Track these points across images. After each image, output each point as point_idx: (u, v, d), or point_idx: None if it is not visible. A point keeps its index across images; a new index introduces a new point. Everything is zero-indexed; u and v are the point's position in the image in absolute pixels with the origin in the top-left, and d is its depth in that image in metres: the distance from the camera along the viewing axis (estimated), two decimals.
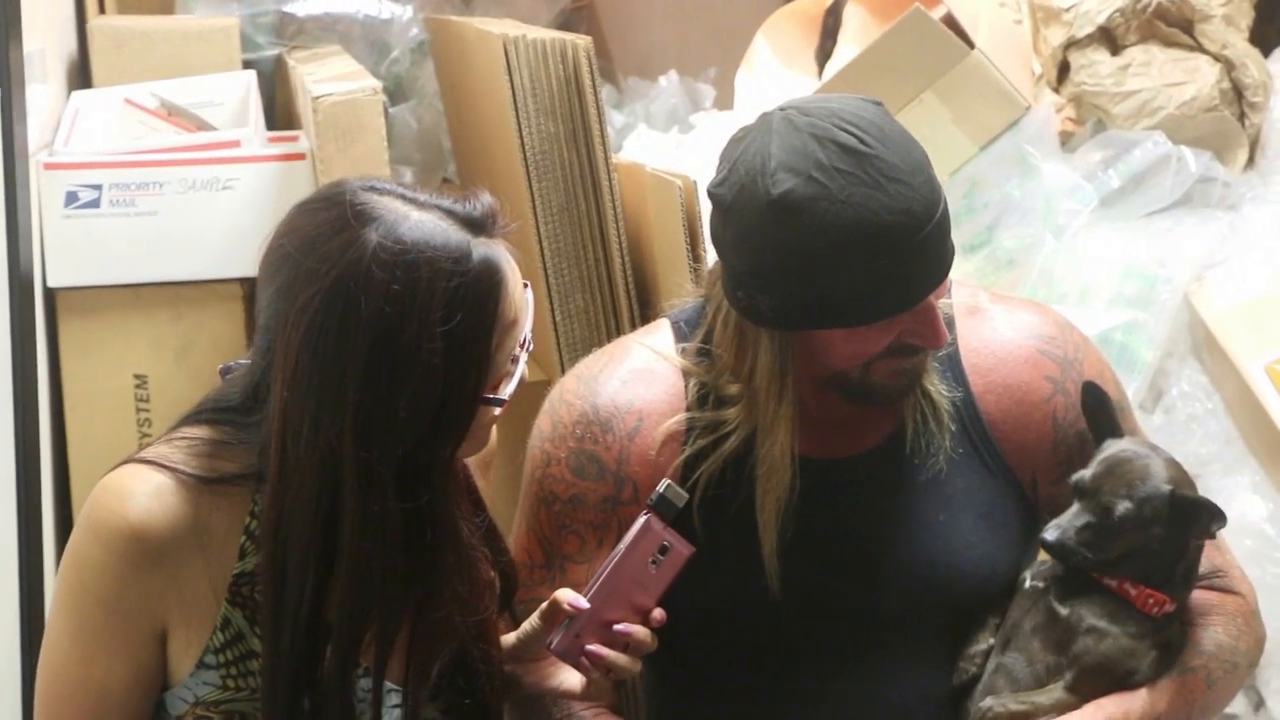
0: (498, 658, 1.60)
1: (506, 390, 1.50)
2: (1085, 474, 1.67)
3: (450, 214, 1.48)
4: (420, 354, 1.43)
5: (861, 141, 1.59)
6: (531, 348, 1.53)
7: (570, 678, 1.63)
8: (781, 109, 1.65)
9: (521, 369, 1.52)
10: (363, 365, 1.42)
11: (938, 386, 1.73)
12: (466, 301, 1.45)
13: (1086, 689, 1.65)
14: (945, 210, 1.63)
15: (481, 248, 1.47)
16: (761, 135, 1.63)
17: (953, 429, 1.73)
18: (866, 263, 1.58)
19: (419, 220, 1.45)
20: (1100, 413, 1.72)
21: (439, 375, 1.44)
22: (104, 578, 1.47)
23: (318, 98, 2.35)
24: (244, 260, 2.40)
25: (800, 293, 1.61)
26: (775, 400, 1.67)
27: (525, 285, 1.53)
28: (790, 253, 1.59)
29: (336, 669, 1.47)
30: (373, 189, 1.48)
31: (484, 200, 1.50)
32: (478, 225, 1.48)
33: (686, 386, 1.75)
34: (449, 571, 1.50)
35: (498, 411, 1.51)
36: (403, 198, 1.48)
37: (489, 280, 1.46)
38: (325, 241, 1.44)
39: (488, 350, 1.47)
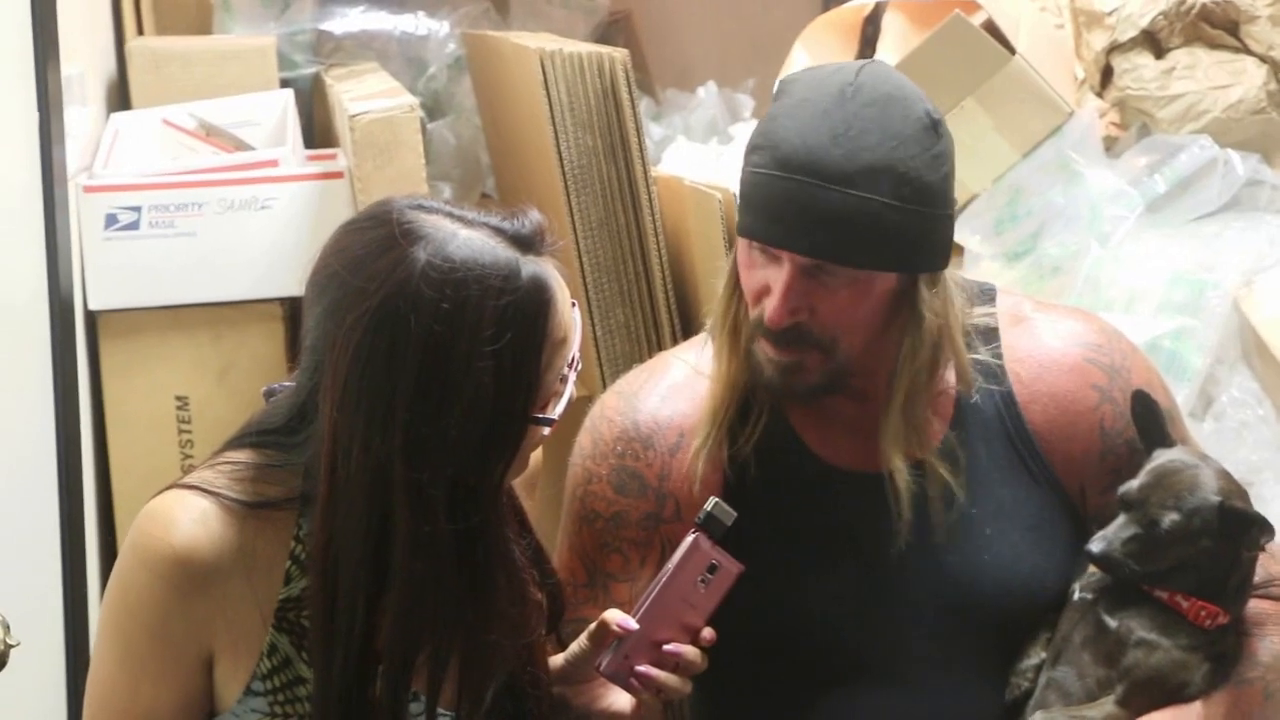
0: (546, 681, 1.59)
1: (556, 410, 1.49)
2: (1133, 485, 1.65)
3: (499, 232, 1.47)
4: (470, 373, 1.42)
5: (843, 92, 1.61)
6: (580, 367, 1.52)
7: (620, 699, 1.61)
8: (877, 62, 1.71)
9: (570, 388, 1.51)
10: (413, 385, 1.41)
11: (984, 387, 1.71)
12: (516, 320, 1.44)
13: (1138, 703, 1.63)
14: (866, 209, 1.58)
15: (530, 265, 1.46)
16: (845, 66, 1.69)
17: (1013, 436, 1.71)
18: (761, 165, 1.62)
19: (467, 238, 1.45)
20: (1150, 421, 1.69)
21: (489, 394, 1.43)
22: (150, 604, 1.46)
23: (354, 116, 2.36)
24: (283, 280, 2.41)
25: (743, 184, 1.66)
26: (720, 325, 1.70)
27: (574, 304, 1.52)
28: (762, 122, 1.68)
29: (389, 694, 1.46)
30: (420, 207, 1.48)
31: (532, 218, 1.49)
32: (526, 243, 1.47)
33: None
34: (500, 593, 1.49)
35: (546, 431, 1.50)
36: (450, 215, 1.47)
37: (538, 298, 1.45)
38: (373, 260, 1.44)
39: (537, 369, 1.46)
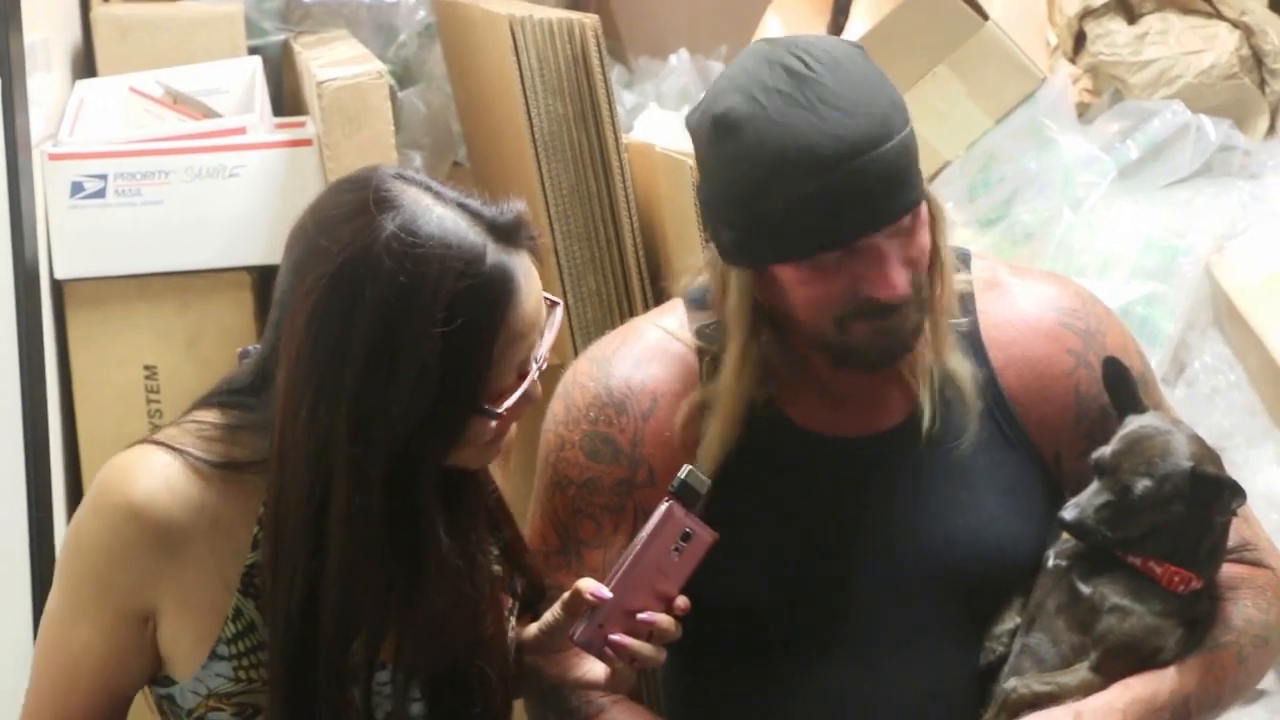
0: (502, 674, 1.58)
1: (504, 404, 1.47)
2: (1105, 451, 1.65)
3: (475, 216, 1.45)
4: (418, 351, 1.41)
5: (807, 66, 1.58)
6: (545, 366, 1.50)
7: (594, 668, 1.61)
8: (765, 39, 1.65)
9: (530, 385, 1.49)
10: (362, 355, 1.41)
11: (961, 362, 1.70)
12: (472, 305, 1.42)
13: (1112, 668, 1.63)
14: (900, 152, 1.59)
15: (498, 255, 1.44)
16: (733, 63, 1.64)
17: (980, 405, 1.70)
18: (796, 187, 1.56)
19: (440, 216, 1.43)
20: (1122, 387, 1.69)
21: (435, 376, 1.42)
22: (95, 552, 1.47)
23: (322, 83, 2.33)
24: (252, 248, 2.39)
25: (744, 221, 1.61)
26: (738, 338, 1.66)
27: (555, 304, 1.51)
28: (731, 175, 1.60)
29: (328, 660, 1.46)
30: (402, 178, 1.47)
31: (514, 207, 1.48)
32: (501, 232, 1.46)
33: (700, 365, 1.73)
34: (428, 579, 1.48)
35: (494, 424, 1.48)
36: (429, 190, 1.46)
37: (499, 287, 1.44)
38: (342, 223, 1.43)
39: (488, 358, 1.44)
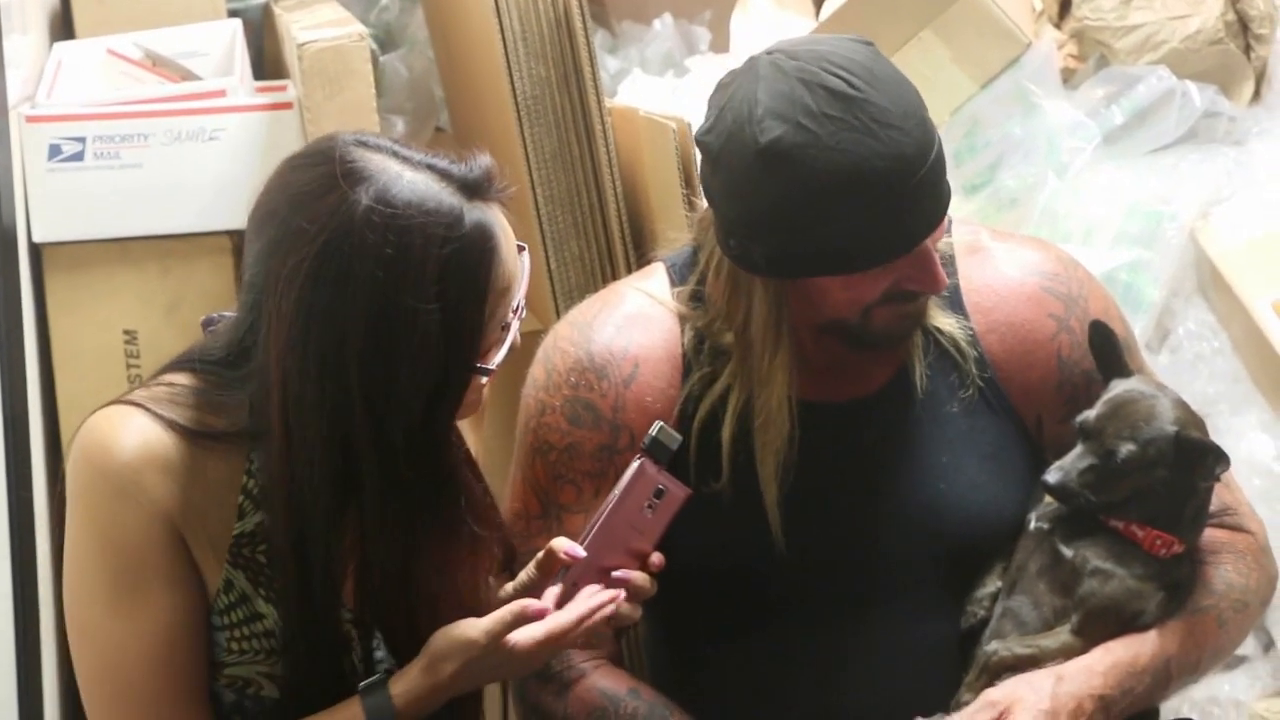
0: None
1: (494, 359, 1.47)
2: (1090, 415, 1.65)
3: (445, 175, 1.44)
4: (417, 324, 1.41)
5: (851, 85, 1.56)
6: (524, 314, 1.50)
7: None
8: (769, 52, 1.62)
9: (513, 336, 1.49)
10: (362, 334, 1.40)
11: (946, 322, 1.70)
12: (460, 270, 1.42)
13: (1093, 632, 1.63)
14: (940, 152, 1.60)
15: (475, 212, 1.44)
16: (749, 81, 1.60)
17: (970, 369, 1.70)
18: (860, 210, 1.55)
19: (411, 181, 1.42)
20: (1107, 351, 1.69)
21: (437, 344, 1.41)
22: (124, 527, 1.43)
23: (303, 44, 2.32)
24: (232, 212, 2.37)
25: (793, 242, 1.58)
26: (771, 351, 1.65)
27: (522, 249, 1.50)
28: (781, 202, 1.56)
29: (359, 628, 1.47)
30: (364, 144, 1.45)
31: (481, 162, 1.47)
32: (472, 188, 1.45)
33: (682, 331, 1.73)
34: (465, 530, 1.49)
35: (485, 380, 1.49)
36: (395, 155, 1.44)
37: (482, 246, 1.43)
38: (314, 200, 1.41)
39: (481, 318, 1.44)
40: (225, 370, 1.47)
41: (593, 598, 1.48)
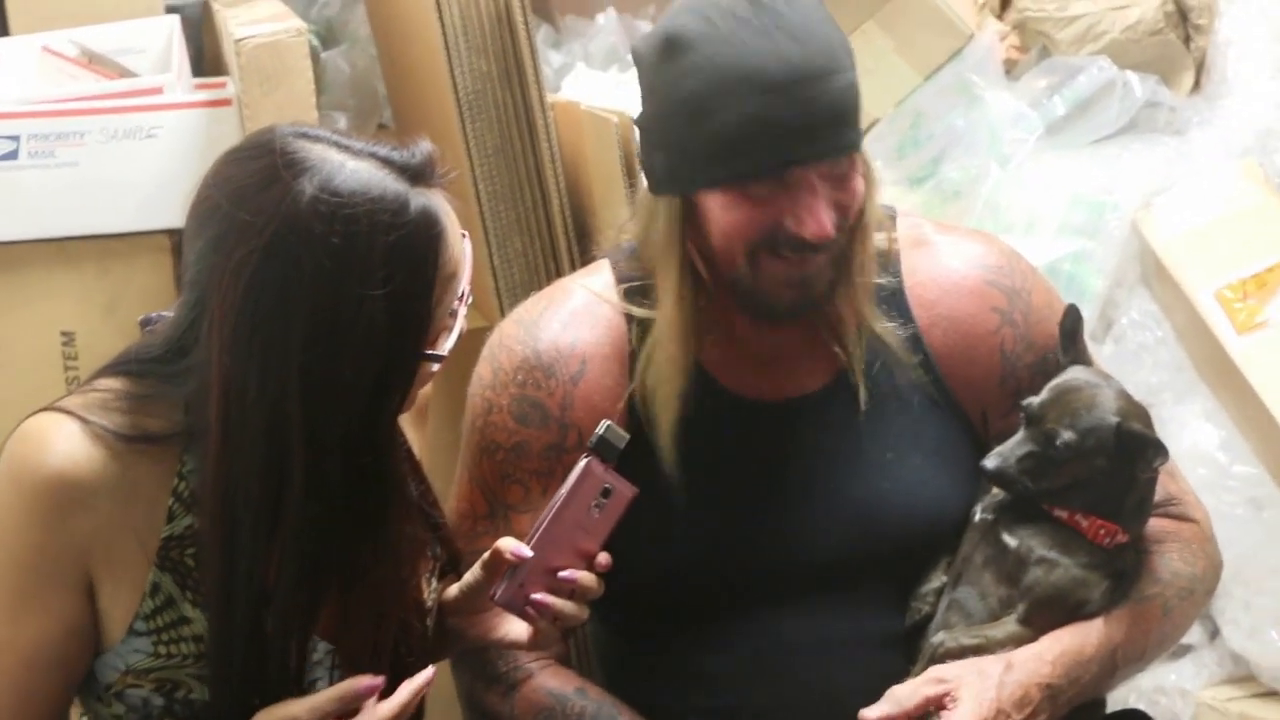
0: (418, 630, 1.56)
1: (444, 345, 1.46)
2: (1033, 401, 1.65)
3: (387, 162, 1.43)
4: (363, 312, 1.39)
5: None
6: (470, 300, 1.49)
7: (516, 628, 1.58)
8: None
9: (461, 323, 1.48)
10: (306, 325, 1.38)
11: (886, 325, 1.69)
12: (407, 256, 1.41)
13: (1039, 621, 1.63)
14: (845, 89, 1.59)
15: (420, 198, 1.43)
16: None
17: (915, 361, 1.70)
18: (740, 106, 1.56)
19: (354, 169, 1.41)
20: (1073, 337, 1.69)
21: (383, 333, 1.40)
22: (26, 528, 1.42)
23: (240, 40, 2.29)
24: (171, 210, 2.34)
25: (682, 142, 1.60)
26: (671, 268, 1.65)
27: (464, 235, 1.49)
28: (674, 90, 1.59)
29: (282, 632, 1.44)
30: (304, 135, 1.44)
31: (422, 148, 1.46)
32: (415, 174, 1.44)
33: (629, 327, 1.72)
34: (393, 528, 1.47)
35: (435, 368, 1.47)
36: (336, 145, 1.43)
37: (428, 232, 1.42)
38: (257, 192, 1.40)
39: (429, 305, 1.43)
40: (162, 367, 1.46)
41: (411, 683, 1.45)
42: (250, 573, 1.41)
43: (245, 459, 1.40)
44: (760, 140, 1.57)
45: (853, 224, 1.64)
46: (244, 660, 1.43)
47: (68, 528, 1.42)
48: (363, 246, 1.39)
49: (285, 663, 1.45)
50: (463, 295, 1.48)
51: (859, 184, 1.63)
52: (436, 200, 1.44)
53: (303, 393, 1.39)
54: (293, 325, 1.38)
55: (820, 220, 1.59)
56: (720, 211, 1.61)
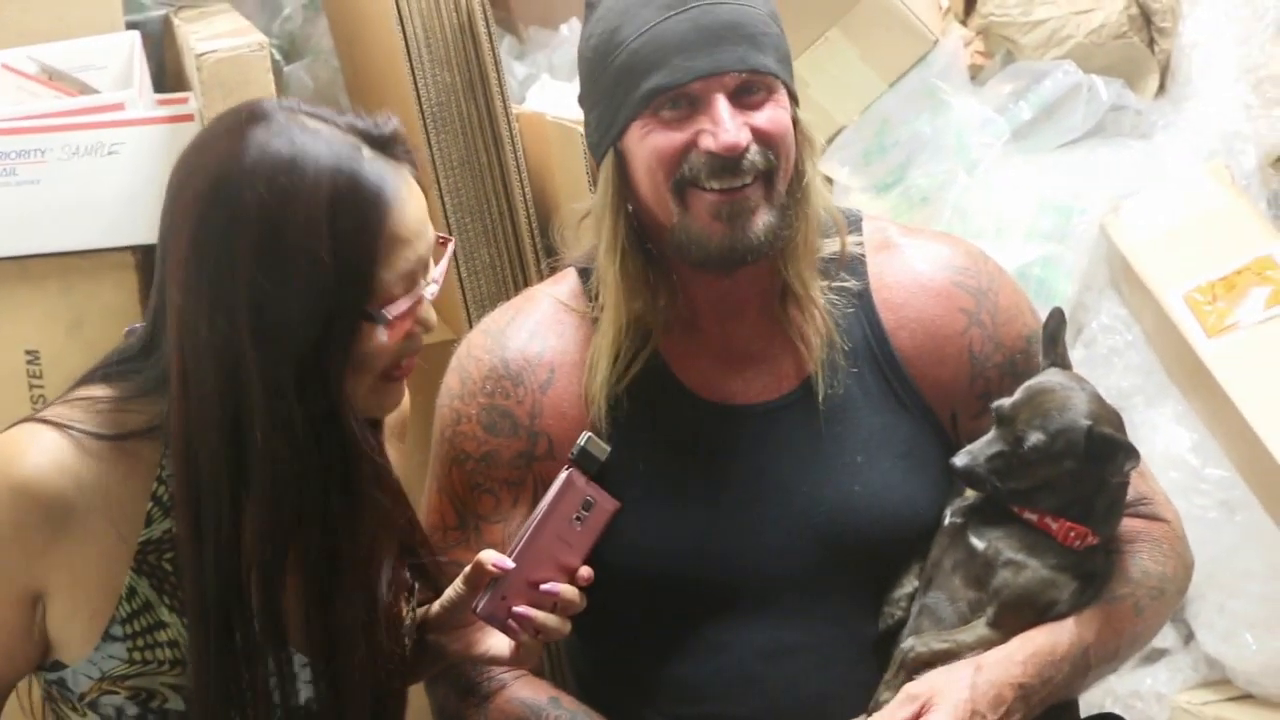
0: (396, 651, 1.55)
1: (394, 311, 1.44)
2: (1005, 401, 1.65)
3: (349, 126, 1.45)
4: (306, 247, 1.39)
5: None
6: (436, 287, 1.48)
7: (498, 643, 1.58)
8: None
9: (416, 302, 1.46)
10: (251, 258, 1.39)
11: (831, 297, 1.70)
12: (352, 197, 1.41)
13: (1009, 623, 1.63)
14: (749, 13, 1.62)
15: (375, 162, 1.44)
16: None
17: (855, 370, 1.69)
18: (640, 27, 1.60)
19: (315, 127, 1.43)
20: (1055, 340, 1.69)
21: (329, 271, 1.40)
22: None
23: (201, 55, 2.28)
24: (135, 227, 2.33)
25: (601, 90, 1.64)
26: (606, 230, 1.66)
27: (443, 241, 1.50)
28: (589, 45, 1.67)
29: (262, 590, 1.43)
30: (280, 105, 1.46)
31: (391, 122, 1.47)
32: (377, 142, 1.45)
33: (596, 334, 1.71)
34: (365, 479, 1.46)
35: (385, 338, 1.44)
36: (302, 110, 1.45)
37: (377, 182, 1.43)
38: (215, 141, 1.43)
39: (371, 258, 1.42)
40: (140, 361, 1.46)
41: None
42: (218, 529, 1.40)
43: (201, 403, 1.40)
44: (660, 57, 1.60)
45: (780, 163, 1.63)
46: (220, 665, 1.42)
47: (24, 541, 1.42)
48: (309, 186, 1.40)
49: (263, 673, 1.44)
50: (427, 281, 1.46)
51: (780, 118, 1.63)
52: (396, 169, 1.45)
53: (251, 329, 1.39)
54: (238, 259, 1.39)
55: (729, 131, 1.60)
56: (640, 146, 1.63)
